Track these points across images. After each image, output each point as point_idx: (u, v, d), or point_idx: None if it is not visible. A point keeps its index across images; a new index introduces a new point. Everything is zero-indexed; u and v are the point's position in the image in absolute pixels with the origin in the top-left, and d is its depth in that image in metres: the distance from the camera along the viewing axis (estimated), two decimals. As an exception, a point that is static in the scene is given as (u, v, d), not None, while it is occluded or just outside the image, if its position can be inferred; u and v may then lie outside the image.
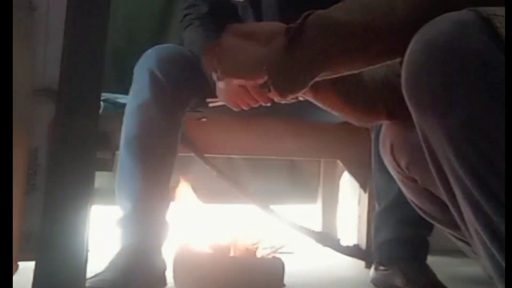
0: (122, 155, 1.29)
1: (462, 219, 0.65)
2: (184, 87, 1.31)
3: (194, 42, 1.40)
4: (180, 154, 1.33)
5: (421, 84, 0.62)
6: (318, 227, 1.92)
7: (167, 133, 1.30)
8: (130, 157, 1.27)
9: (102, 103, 1.40)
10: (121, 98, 1.48)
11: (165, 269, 1.28)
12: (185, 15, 1.48)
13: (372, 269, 1.46)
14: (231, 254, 1.20)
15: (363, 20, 0.69)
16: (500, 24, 0.59)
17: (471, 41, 0.60)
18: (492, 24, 0.60)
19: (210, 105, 1.25)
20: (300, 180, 2.01)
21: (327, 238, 1.70)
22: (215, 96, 1.22)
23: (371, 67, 0.74)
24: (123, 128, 1.29)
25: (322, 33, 0.73)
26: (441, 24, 0.62)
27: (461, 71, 0.60)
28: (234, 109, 1.18)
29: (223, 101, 1.19)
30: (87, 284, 1.09)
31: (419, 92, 0.63)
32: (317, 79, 0.76)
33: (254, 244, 1.24)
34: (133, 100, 1.30)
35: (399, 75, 0.67)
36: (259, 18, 1.42)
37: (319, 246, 1.66)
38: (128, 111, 1.30)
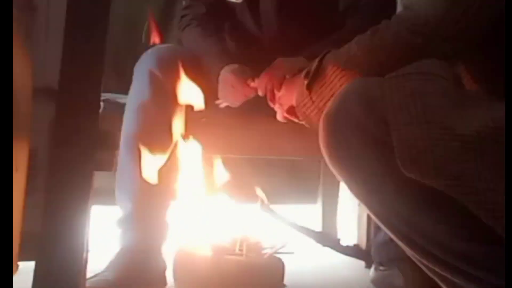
0: (122, 155, 1.29)
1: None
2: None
3: (192, 43, 1.40)
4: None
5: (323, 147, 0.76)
6: (318, 227, 1.92)
7: (167, 133, 1.29)
8: (130, 157, 1.27)
9: (102, 103, 1.40)
10: (121, 98, 1.48)
11: (165, 269, 1.27)
12: (183, 16, 1.47)
13: (372, 269, 1.46)
14: (231, 254, 1.20)
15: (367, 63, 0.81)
16: (377, 91, 0.71)
17: (351, 113, 0.72)
18: (368, 95, 0.71)
19: (221, 106, 1.30)
20: (300, 180, 2.01)
21: (327, 238, 1.70)
22: (216, 97, 1.23)
23: None
24: (123, 127, 1.29)
25: (336, 76, 0.83)
26: (334, 99, 0.76)
27: (341, 137, 0.73)
28: (235, 104, 1.21)
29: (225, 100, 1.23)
30: (87, 284, 1.09)
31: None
32: None
33: (254, 244, 1.24)
34: (133, 99, 1.30)
35: None
36: (256, 19, 1.42)
37: (319, 246, 1.65)
38: (128, 110, 1.30)
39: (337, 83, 0.81)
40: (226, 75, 1.27)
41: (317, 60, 0.86)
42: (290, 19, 1.39)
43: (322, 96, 0.83)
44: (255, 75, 1.25)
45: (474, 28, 0.74)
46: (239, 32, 1.46)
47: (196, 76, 1.31)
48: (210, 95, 1.24)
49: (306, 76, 0.85)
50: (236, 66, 1.28)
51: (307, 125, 0.90)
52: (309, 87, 0.84)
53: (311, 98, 0.85)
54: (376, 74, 0.75)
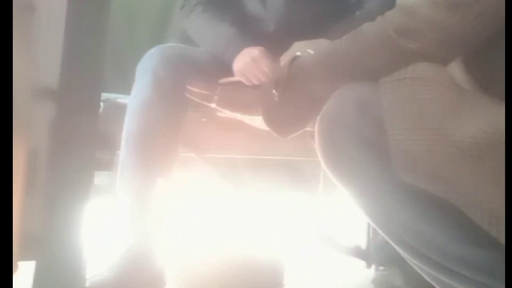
0: (123, 154, 1.29)
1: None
2: (187, 87, 1.30)
3: (200, 28, 1.39)
4: (180, 153, 1.33)
5: (319, 151, 0.76)
6: (318, 226, 1.91)
7: (169, 133, 1.29)
8: (131, 156, 1.27)
9: (102, 103, 1.40)
10: (121, 98, 1.48)
11: (164, 269, 1.27)
12: (186, 1, 1.47)
13: (372, 269, 1.46)
14: (231, 254, 1.20)
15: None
16: (373, 96, 0.70)
17: (346, 117, 0.71)
18: (363, 99, 0.71)
19: (222, 81, 1.24)
20: (300, 180, 2.01)
21: (327, 238, 1.70)
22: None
23: None
24: (125, 127, 1.29)
25: (307, 83, 0.80)
26: (329, 103, 0.75)
27: (337, 142, 0.72)
28: (251, 81, 1.19)
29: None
30: (87, 284, 1.09)
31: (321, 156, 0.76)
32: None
33: (254, 244, 1.24)
34: (136, 99, 1.30)
35: None
36: (263, 4, 1.41)
37: (320, 246, 1.65)
38: (130, 110, 1.30)
39: (314, 88, 0.78)
40: (253, 52, 1.25)
41: (285, 66, 0.82)
42: (296, 6, 1.38)
43: (293, 100, 0.80)
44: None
45: (471, 35, 0.73)
46: (243, 13, 1.44)
47: (200, 76, 1.30)
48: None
49: (275, 85, 0.81)
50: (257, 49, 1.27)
51: (275, 133, 0.87)
52: (277, 90, 0.81)
53: (279, 104, 0.81)
54: (364, 79, 0.74)
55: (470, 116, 0.66)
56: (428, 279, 0.72)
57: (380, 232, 0.72)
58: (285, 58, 0.99)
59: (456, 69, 0.81)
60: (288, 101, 0.81)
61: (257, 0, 1.41)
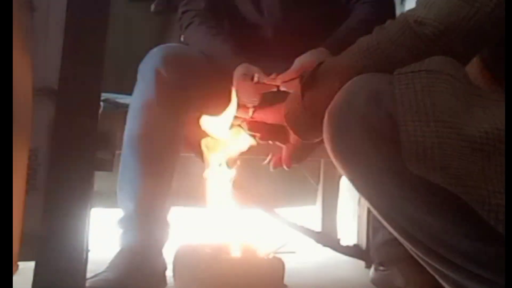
0: (125, 154, 1.28)
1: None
2: (189, 87, 1.30)
3: (200, 42, 1.39)
4: (180, 154, 1.33)
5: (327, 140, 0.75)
6: (318, 227, 1.92)
7: (171, 133, 1.29)
8: (133, 156, 1.27)
9: (102, 103, 1.40)
10: (121, 98, 1.48)
11: (165, 270, 1.27)
12: (183, 12, 1.47)
13: (372, 269, 1.46)
14: (232, 254, 1.20)
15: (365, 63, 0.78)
16: (388, 93, 0.69)
17: (357, 107, 0.70)
18: (375, 90, 0.70)
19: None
20: (300, 180, 2.01)
21: (327, 238, 1.70)
22: (219, 96, 1.21)
23: None
24: (127, 127, 1.29)
25: (332, 81, 0.79)
26: (340, 93, 0.74)
27: (346, 132, 0.72)
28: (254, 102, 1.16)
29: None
30: (87, 284, 1.09)
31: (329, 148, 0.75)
32: None
33: (255, 244, 1.24)
34: (138, 98, 1.30)
35: None
36: (258, 6, 1.41)
37: (319, 246, 1.65)
38: (132, 109, 1.30)
39: (335, 85, 0.77)
40: (242, 78, 1.26)
41: (313, 68, 0.82)
42: (293, 4, 1.38)
43: (317, 100, 0.80)
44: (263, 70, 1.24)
45: (488, 28, 0.73)
46: (240, 21, 1.45)
47: (204, 75, 1.30)
48: (222, 94, 1.23)
49: (300, 80, 0.82)
50: (248, 66, 1.27)
51: (293, 135, 0.86)
52: (303, 91, 0.81)
53: (303, 104, 0.81)
54: (383, 70, 0.74)
55: (482, 112, 0.66)
56: (434, 275, 0.72)
57: (387, 225, 0.72)
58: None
59: (474, 65, 0.81)
60: (311, 99, 0.80)
61: (253, 8, 1.41)
